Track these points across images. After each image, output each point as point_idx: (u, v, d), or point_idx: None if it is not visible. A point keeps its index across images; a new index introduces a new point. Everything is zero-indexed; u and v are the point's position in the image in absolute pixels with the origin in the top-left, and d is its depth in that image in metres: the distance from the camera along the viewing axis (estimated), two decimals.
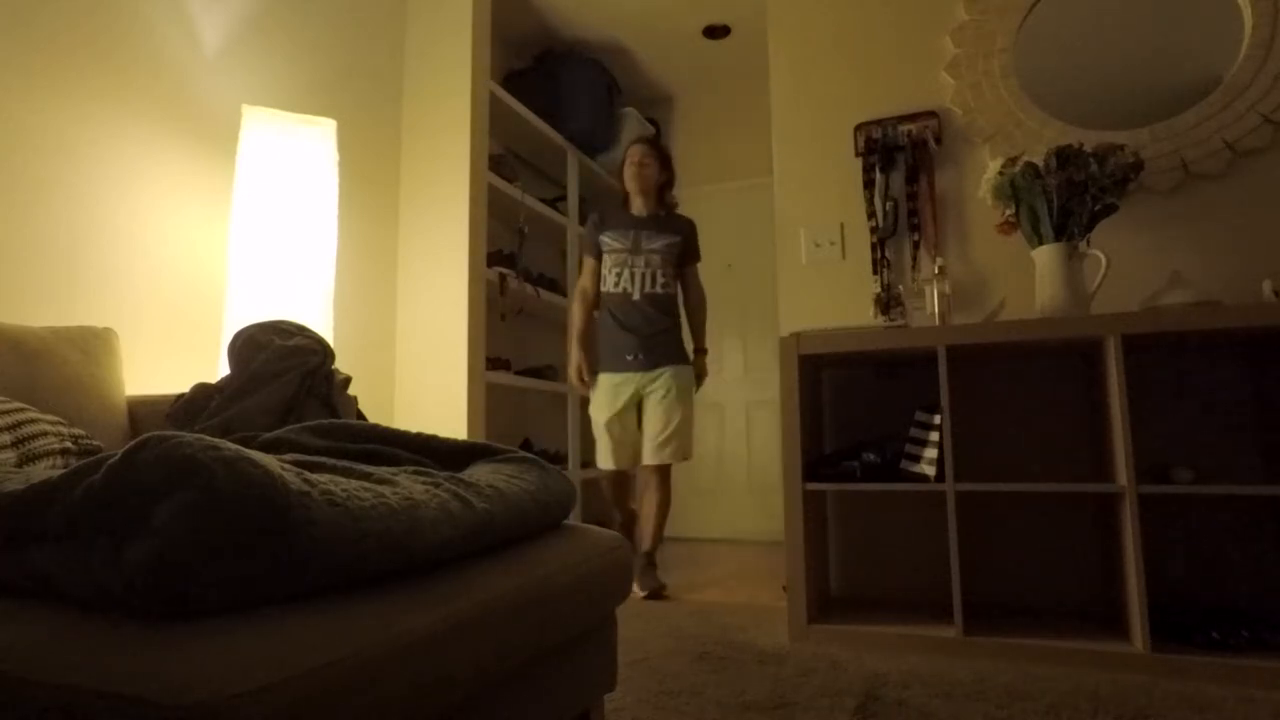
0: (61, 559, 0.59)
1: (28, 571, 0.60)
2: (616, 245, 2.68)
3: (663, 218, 2.74)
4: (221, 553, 0.56)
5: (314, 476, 0.66)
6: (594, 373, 2.70)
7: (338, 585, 0.66)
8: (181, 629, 0.54)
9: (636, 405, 2.67)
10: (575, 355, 2.69)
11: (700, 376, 2.74)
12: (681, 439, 2.60)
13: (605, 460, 2.65)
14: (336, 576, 0.65)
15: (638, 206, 2.74)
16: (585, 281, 2.75)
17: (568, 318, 2.58)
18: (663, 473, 2.63)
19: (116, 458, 0.58)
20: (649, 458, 2.59)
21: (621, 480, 2.77)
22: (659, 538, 2.69)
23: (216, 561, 0.56)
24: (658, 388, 2.61)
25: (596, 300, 2.74)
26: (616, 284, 2.66)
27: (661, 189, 2.78)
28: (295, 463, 0.78)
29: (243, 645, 0.53)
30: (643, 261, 2.66)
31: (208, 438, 0.60)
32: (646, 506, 2.64)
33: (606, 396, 2.64)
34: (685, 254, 2.76)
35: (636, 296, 2.63)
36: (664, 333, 2.66)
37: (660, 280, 2.66)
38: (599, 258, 2.74)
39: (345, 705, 0.56)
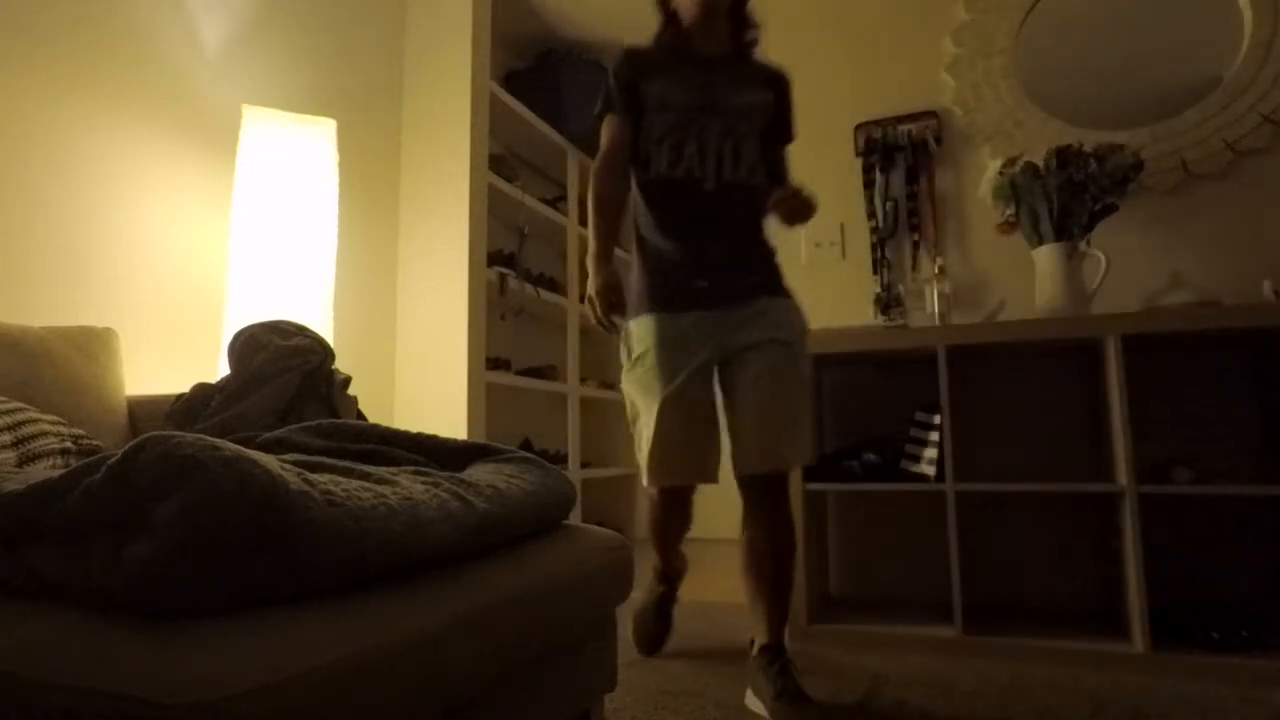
0: (61, 559, 0.59)
1: (28, 571, 0.60)
2: (675, 99, 1.53)
3: (745, 60, 1.63)
4: (222, 553, 0.56)
5: (314, 476, 0.66)
6: (624, 314, 1.57)
7: (338, 585, 0.66)
8: (181, 629, 0.54)
9: (713, 371, 1.52)
10: (600, 271, 1.51)
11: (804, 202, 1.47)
12: (801, 428, 1.45)
13: (656, 468, 1.50)
14: (336, 576, 0.65)
15: (702, 38, 1.57)
16: (612, 147, 1.56)
17: (589, 208, 1.57)
18: (778, 488, 1.48)
19: (116, 458, 0.58)
20: (754, 462, 1.45)
21: (680, 504, 1.70)
22: (783, 617, 1.50)
23: (217, 561, 0.56)
24: (756, 338, 1.47)
25: (628, 184, 1.59)
26: (675, 163, 1.52)
27: (739, 9, 1.60)
28: (295, 463, 0.78)
29: (242, 645, 0.53)
30: (719, 126, 1.51)
31: (208, 438, 0.60)
32: (754, 560, 1.52)
33: (659, 353, 1.49)
34: (777, 126, 1.64)
35: (711, 184, 1.50)
36: (755, 248, 1.57)
37: (747, 161, 1.54)
38: (635, 116, 1.56)
39: (345, 705, 0.56)
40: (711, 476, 1.54)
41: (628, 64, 1.57)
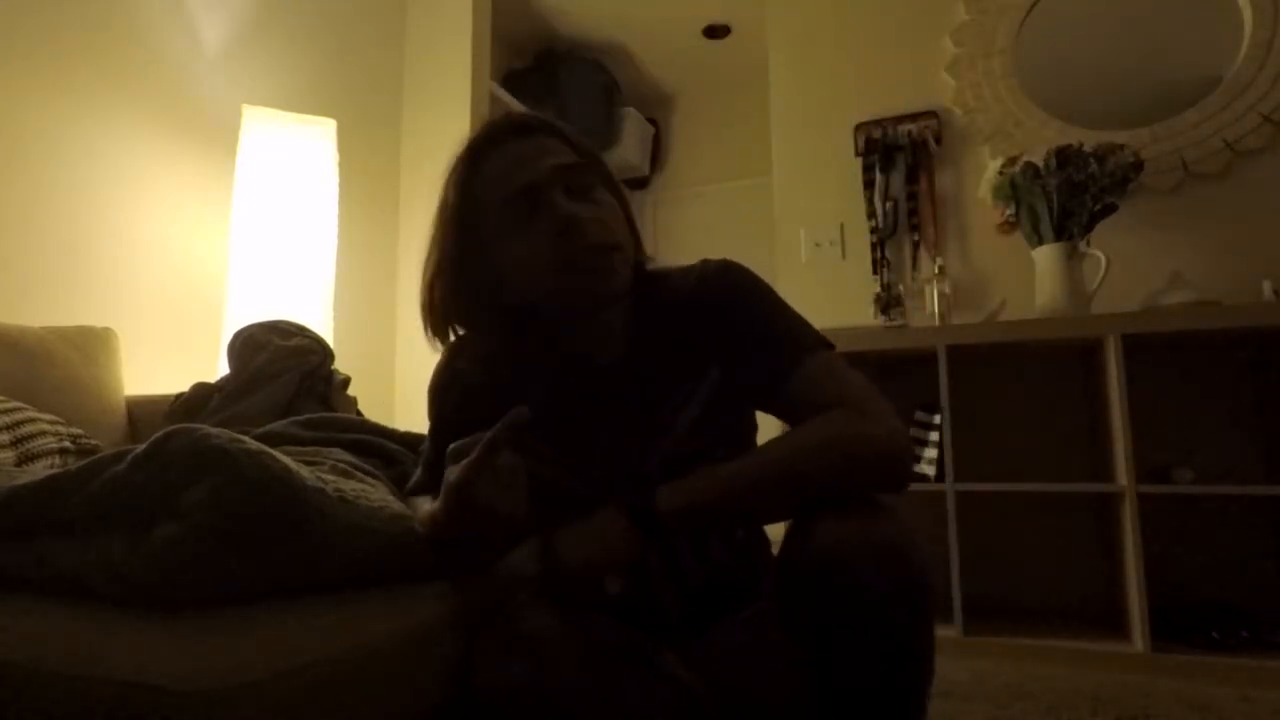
0: (77, 549, 0.60)
1: (39, 562, 0.61)
2: None
3: None
4: (245, 538, 0.58)
5: (326, 475, 0.68)
6: None
7: (345, 580, 0.67)
8: (192, 618, 0.55)
9: None
10: None
11: None
12: None
13: None
14: (344, 571, 0.66)
15: None
16: None
17: None
18: None
19: (142, 448, 0.60)
20: None
21: None
22: None
23: (240, 546, 0.58)
24: None
25: None
26: None
27: None
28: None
29: (253, 634, 0.55)
30: None
31: (228, 431, 0.62)
32: None
33: None
34: None
35: None
36: None
37: None
38: None
39: (349, 694, 0.57)
40: None
41: None
